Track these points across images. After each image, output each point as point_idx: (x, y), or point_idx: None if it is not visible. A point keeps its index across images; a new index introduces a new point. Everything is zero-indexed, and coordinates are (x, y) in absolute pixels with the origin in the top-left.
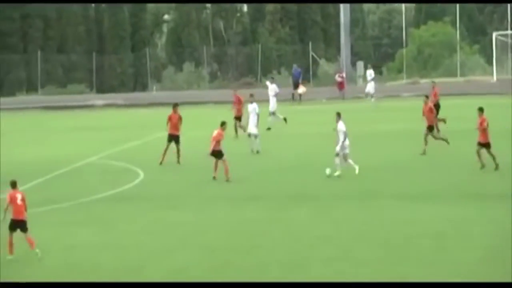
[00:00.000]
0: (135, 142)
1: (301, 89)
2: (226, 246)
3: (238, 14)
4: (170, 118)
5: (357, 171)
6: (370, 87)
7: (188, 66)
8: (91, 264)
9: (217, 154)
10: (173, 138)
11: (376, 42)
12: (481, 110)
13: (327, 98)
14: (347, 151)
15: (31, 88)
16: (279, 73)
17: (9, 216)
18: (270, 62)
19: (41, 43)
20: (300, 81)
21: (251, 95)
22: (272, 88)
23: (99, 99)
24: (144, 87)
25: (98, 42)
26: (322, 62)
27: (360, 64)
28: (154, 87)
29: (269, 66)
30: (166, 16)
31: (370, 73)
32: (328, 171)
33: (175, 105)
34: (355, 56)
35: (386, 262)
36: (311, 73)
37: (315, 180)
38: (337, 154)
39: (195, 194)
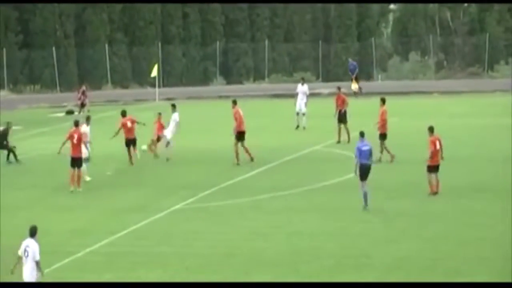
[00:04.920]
0: (362, 130)
1: None
2: (447, 237)
3: (466, 4)
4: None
5: None
6: None
7: (413, 56)
8: (315, 252)
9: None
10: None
11: None
12: None
13: None
14: None
15: (258, 76)
16: (506, 63)
17: None
18: (498, 52)
19: (268, 31)
20: None
21: None
22: (302, 90)
23: (325, 88)
24: (369, 77)
25: (324, 31)
26: None
27: None
28: (380, 77)
29: (496, 56)
30: (392, 6)
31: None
32: None
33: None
34: None
35: None
36: None
37: None
38: None
39: (414, 186)
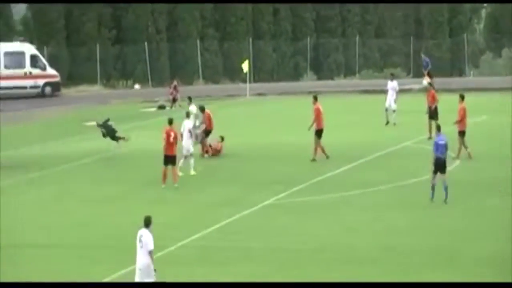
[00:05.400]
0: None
1: None
2: None
3: None
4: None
5: None
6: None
7: (506, 52)
8: (404, 248)
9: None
10: None
11: None
12: None
13: None
14: None
15: (349, 72)
16: None
17: None
18: None
19: (359, 27)
20: None
21: None
22: (392, 86)
23: (416, 84)
24: (461, 73)
25: (416, 27)
26: None
27: None
28: (472, 73)
29: None
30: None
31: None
32: None
33: None
34: None
35: None
36: None
37: None
38: None
39: (504, 183)
